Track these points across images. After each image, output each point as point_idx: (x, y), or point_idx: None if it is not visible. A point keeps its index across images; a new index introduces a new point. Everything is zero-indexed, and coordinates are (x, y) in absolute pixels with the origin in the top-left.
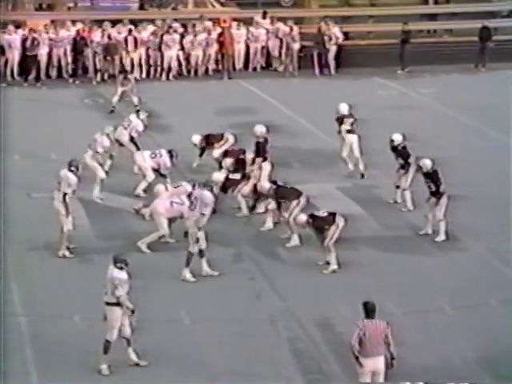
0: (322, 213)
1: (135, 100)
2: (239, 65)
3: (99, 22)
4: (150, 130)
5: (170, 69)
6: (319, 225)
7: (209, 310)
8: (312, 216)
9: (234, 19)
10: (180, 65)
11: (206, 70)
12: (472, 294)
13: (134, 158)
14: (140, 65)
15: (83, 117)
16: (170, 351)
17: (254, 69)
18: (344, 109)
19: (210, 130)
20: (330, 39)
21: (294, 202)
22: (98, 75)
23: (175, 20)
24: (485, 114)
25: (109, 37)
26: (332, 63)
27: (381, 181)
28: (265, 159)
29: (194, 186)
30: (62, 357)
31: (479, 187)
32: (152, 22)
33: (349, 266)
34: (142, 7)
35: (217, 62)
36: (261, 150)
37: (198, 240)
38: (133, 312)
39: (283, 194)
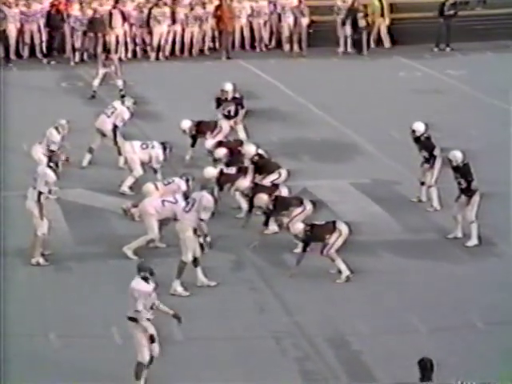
0: (321, 221)
1: (119, 83)
2: (246, 45)
3: None
4: (137, 118)
5: (159, 47)
6: (319, 234)
7: (204, 325)
8: (310, 225)
9: None
10: (172, 43)
11: (202, 49)
12: (508, 307)
13: (121, 149)
14: (125, 43)
15: (60, 103)
16: (160, 371)
17: (254, 47)
18: (228, 88)
19: (205, 118)
20: (366, 15)
21: (299, 209)
22: (77, 55)
23: None
24: None
25: (94, 10)
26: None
27: (403, 176)
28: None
29: (187, 182)
30: (34, 380)
31: (510, 181)
32: None
33: (366, 274)
34: None
35: (214, 39)
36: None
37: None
38: (151, 337)
39: (283, 205)
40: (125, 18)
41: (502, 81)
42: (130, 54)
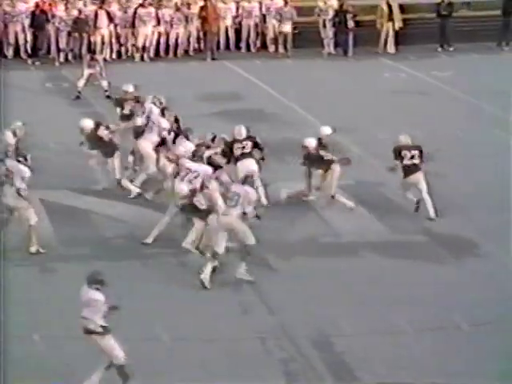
0: None
1: (104, 84)
2: (231, 45)
3: None
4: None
5: (144, 48)
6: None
7: (189, 326)
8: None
9: None
10: (157, 43)
11: (187, 50)
12: (493, 307)
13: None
14: (110, 43)
15: (45, 103)
16: (146, 373)
17: (239, 48)
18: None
19: (191, 119)
20: (355, 16)
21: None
22: (62, 55)
23: None
24: (508, 101)
25: (79, 11)
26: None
27: (387, 177)
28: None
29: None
30: (19, 381)
31: (497, 184)
32: None
33: (351, 275)
34: None
35: (198, 40)
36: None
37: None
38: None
39: None
40: (110, 18)
41: (487, 82)
42: (114, 55)
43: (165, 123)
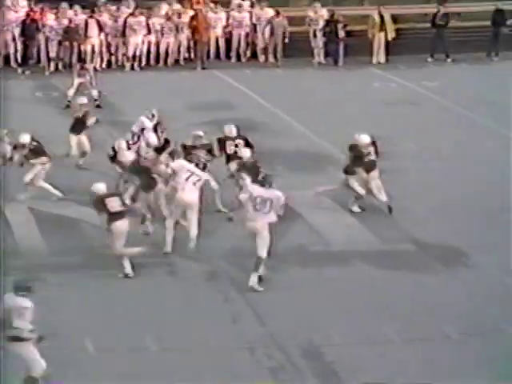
0: None
1: (94, 93)
2: (221, 54)
3: (52, 3)
4: (111, 128)
5: (134, 57)
6: None
7: (179, 336)
8: None
9: (211, 1)
10: (147, 53)
11: (177, 60)
12: (482, 318)
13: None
14: (100, 53)
15: (34, 112)
16: (134, 382)
17: (229, 57)
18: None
19: (181, 128)
20: (346, 26)
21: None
22: (52, 64)
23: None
24: (497, 111)
25: (69, 20)
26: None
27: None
28: None
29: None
30: None
31: (485, 193)
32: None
33: (340, 284)
34: None
35: (189, 49)
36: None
37: None
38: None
39: None
40: (101, 27)
41: (477, 92)
42: (105, 64)
43: (153, 140)
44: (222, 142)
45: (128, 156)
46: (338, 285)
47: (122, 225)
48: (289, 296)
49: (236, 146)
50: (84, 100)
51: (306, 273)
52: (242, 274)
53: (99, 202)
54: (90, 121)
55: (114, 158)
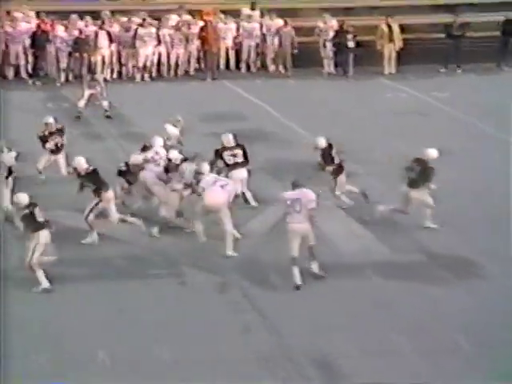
0: None
1: (105, 104)
2: (231, 65)
3: (62, 14)
4: (121, 139)
5: (145, 68)
6: None
7: (190, 346)
8: None
9: (221, 11)
10: (157, 63)
11: (187, 70)
12: (494, 328)
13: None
14: (111, 63)
15: None
16: None
17: (239, 68)
18: (50, 121)
19: (191, 139)
20: (355, 36)
21: None
22: (62, 75)
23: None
24: (506, 121)
25: (79, 31)
26: (351, 63)
27: (387, 197)
28: None
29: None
30: None
31: (495, 203)
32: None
33: (353, 295)
34: None
35: (199, 60)
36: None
37: None
38: None
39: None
40: (111, 38)
41: (487, 103)
42: (115, 75)
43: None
44: (219, 154)
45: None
46: (350, 295)
47: (45, 235)
48: (301, 306)
49: (234, 156)
50: (49, 119)
51: (318, 283)
52: (253, 285)
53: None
54: (49, 144)
55: (124, 172)
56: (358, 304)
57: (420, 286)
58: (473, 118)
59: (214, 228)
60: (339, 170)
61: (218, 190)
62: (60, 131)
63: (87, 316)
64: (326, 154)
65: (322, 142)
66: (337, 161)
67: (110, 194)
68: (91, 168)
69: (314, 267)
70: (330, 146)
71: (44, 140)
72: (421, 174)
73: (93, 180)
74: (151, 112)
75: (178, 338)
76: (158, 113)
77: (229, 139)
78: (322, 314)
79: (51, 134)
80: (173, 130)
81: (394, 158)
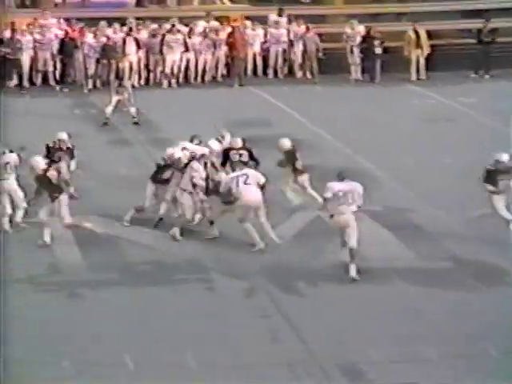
0: None
1: (132, 111)
2: (258, 71)
3: (90, 21)
4: (149, 145)
5: (172, 74)
6: None
7: (218, 352)
8: None
9: (247, 17)
10: (185, 70)
11: (214, 76)
12: None
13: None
14: (138, 70)
15: (73, 130)
16: None
17: (266, 74)
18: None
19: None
20: (382, 42)
21: None
22: (90, 82)
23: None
24: None
25: (107, 37)
26: (378, 70)
27: (415, 203)
28: None
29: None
30: None
31: None
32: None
33: (379, 302)
34: (139, 4)
35: (226, 66)
36: None
37: None
38: None
39: None
40: (139, 44)
41: None
42: (142, 81)
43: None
44: (226, 153)
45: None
46: (377, 302)
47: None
48: (327, 312)
49: (240, 155)
50: (63, 135)
51: (344, 290)
52: (280, 290)
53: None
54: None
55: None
56: (383, 310)
57: (446, 293)
58: (499, 123)
59: (239, 233)
60: (300, 171)
61: (252, 188)
62: (69, 150)
63: (112, 321)
64: (290, 156)
65: (287, 145)
66: (298, 165)
67: (63, 198)
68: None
69: (352, 270)
70: (293, 148)
71: (49, 151)
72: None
73: (48, 182)
74: (178, 118)
75: (205, 343)
76: (185, 119)
77: (236, 141)
78: (347, 320)
79: (60, 149)
80: (216, 147)
81: (422, 164)
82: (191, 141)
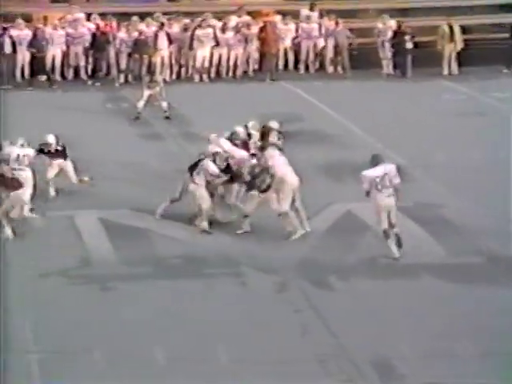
0: None
1: (164, 105)
2: (290, 66)
3: (122, 16)
4: (180, 139)
5: (203, 69)
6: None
7: (249, 347)
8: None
9: (277, 12)
10: (217, 64)
11: (245, 71)
12: None
13: None
14: (170, 64)
15: (105, 124)
16: None
17: (297, 69)
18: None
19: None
20: (413, 37)
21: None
22: (122, 76)
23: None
24: None
25: (139, 32)
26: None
27: (446, 199)
28: None
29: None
30: None
31: None
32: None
33: (411, 297)
34: None
35: (258, 61)
36: None
37: None
38: None
39: None
40: (170, 39)
41: None
42: (174, 76)
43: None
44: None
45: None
46: (408, 297)
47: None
48: (358, 307)
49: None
50: (49, 138)
51: (376, 285)
52: (312, 285)
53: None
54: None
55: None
56: (415, 305)
57: (478, 288)
58: None
59: (271, 226)
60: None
61: (291, 169)
62: (61, 153)
63: (143, 315)
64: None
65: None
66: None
67: (19, 193)
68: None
69: (394, 250)
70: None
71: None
72: None
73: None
74: (210, 112)
75: (236, 338)
76: (216, 113)
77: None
78: (379, 315)
79: (50, 152)
80: (227, 146)
81: (453, 160)
82: (230, 136)
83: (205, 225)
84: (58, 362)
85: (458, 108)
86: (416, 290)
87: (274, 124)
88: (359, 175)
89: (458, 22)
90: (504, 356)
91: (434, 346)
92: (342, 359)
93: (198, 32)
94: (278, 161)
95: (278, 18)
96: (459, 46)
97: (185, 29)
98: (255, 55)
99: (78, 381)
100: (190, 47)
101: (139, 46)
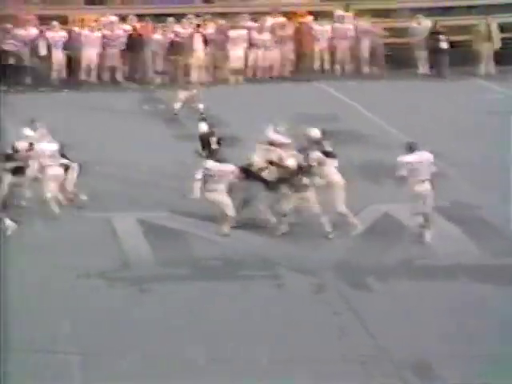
0: None
1: (200, 106)
2: (326, 66)
3: (158, 17)
4: None
5: (238, 70)
6: None
7: (287, 348)
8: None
9: (310, 13)
10: (252, 65)
11: (281, 72)
12: None
13: None
14: (205, 65)
15: (141, 125)
16: None
17: (333, 69)
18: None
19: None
20: (448, 37)
21: None
22: (158, 78)
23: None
24: None
25: (176, 34)
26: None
27: (483, 199)
28: None
29: None
30: None
31: None
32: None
33: (449, 298)
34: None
35: (295, 61)
36: None
37: None
38: None
39: None
40: (206, 40)
41: None
42: (210, 77)
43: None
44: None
45: None
46: (446, 298)
47: None
48: (397, 308)
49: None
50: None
51: (414, 286)
52: (350, 286)
53: None
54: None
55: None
56: (452, 306)
57: None
58: None
59: (309, 228)
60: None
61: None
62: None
63: (180, 316)
64: (205, 141)
65: (203, 128)
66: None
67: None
68: None
69: (427, 236)
70: (211, 132)
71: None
72: None
73: None
74: (245, 114)
75: (275, 339)
76: (252, 114)
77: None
78: (417, 316)
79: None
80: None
81: (488, 159)
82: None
83: (225, 229)
84: (97, 363)
85: (495, 107)
86: (454, 291)
87: (314, 132)
88: (395, 176)
89: (496, 20)
90: None
91: (475, 349)
92: (381, 360)
93: (232, 33)
94: (325, 162)
95: (311, 19)
96: (496, 44)
97: (220, 30)
98: (291, 56)
99: (117, 382)
100: (224, 48)
101: (175, 48)
